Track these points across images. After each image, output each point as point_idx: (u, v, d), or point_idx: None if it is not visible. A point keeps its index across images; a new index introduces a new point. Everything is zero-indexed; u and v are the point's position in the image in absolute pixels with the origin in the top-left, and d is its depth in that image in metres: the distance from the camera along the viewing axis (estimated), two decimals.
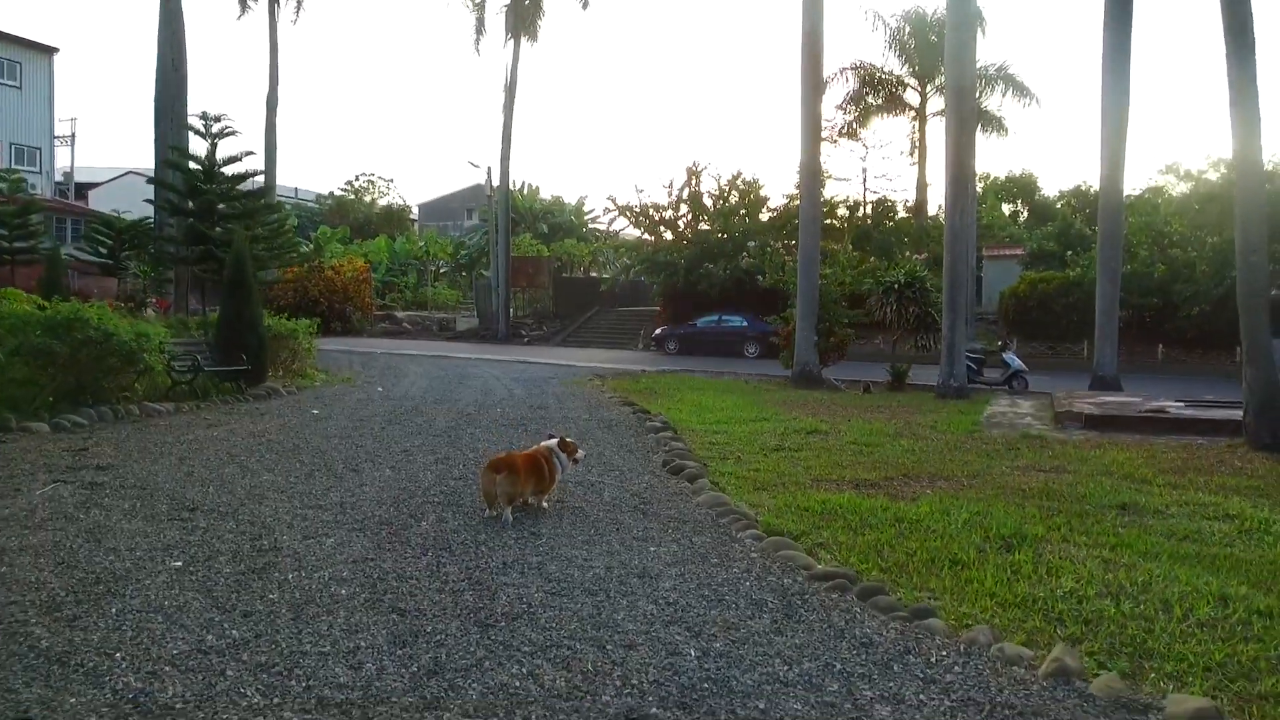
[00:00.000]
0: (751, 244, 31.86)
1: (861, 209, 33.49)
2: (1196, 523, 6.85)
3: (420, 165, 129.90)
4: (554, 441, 6.86)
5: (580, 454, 7.08)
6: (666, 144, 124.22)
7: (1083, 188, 40.45)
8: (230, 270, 14.90)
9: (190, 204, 20.64)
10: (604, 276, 44.06)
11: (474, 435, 10.47)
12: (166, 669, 3.65)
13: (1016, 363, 19.51)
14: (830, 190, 33.44)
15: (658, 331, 32.10)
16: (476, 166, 42.80)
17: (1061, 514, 7.06)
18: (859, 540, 6.20)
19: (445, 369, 21.15)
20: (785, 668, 3.85)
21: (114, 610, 4.29)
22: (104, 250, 30.38)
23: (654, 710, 3.39)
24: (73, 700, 3.35)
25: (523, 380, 18.53)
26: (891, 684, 3.71)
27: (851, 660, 3.95)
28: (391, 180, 72.79)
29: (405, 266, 49.50)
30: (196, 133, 21.06)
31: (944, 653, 4.06)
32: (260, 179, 26.55)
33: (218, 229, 20.08)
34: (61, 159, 48.21)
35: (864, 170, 36.93)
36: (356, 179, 66.69)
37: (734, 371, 23.05)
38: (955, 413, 14.27)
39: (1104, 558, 5.84)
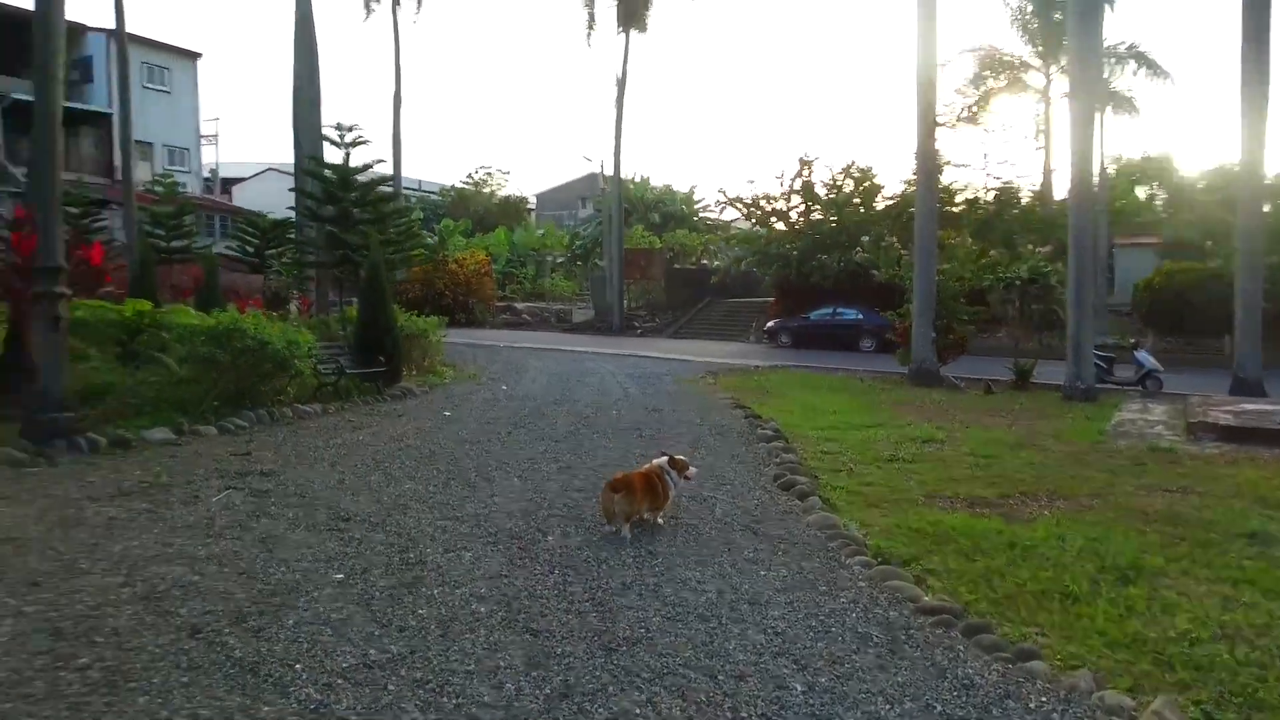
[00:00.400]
0: (865, 238, 31.41)
1: (983, 197, 32.45)
2: None
3: (536, 156, 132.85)
4: (664, 460, 7.25)
5: (692, 471, 7.43)
6: (778, 132, 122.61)
7: (1225, 166, 37.76)
8: (366, 277, 16.00)
9: (328, 209, 22.01)
10: (715, 265, 44.24)
11: (593, 441, 10.99)
12: (339, 682, 4.23)
13: (1150, 362, 18.67)
14: (949, 176, 32.53)
15: (770, 324, 32.11)
16: (589, 160, 43.77)
17: (1185, 542, 6.94)
18: (970, 568, 6.31)
19: (564, 364, 21.92)
20: (887, 707, 4.12)
21: (290, 622, 4.94)
22: (250, 249, 32.70)
23: None
24: (266, 709, 3.96)
25: (637, 377, 19.05)
26: None
27: (952, 702, 4.17)
28: (509, 172, 74.89)
29: (524, 258, 51.05)
30: (331, 142, 22.42)
31: (1044, 698, 4.22)
32: (389, 186, 27.96)
33: (353, 234, 21.36)
34: (207, 156, 51.81)
35: (985, 156, 35.72)
36: (476, 171, 68.91)
37: (848, 368, 22.92)
38: (1081, 419, 13.90)
39: (1224, 595, 5.78)
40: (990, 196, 32.45)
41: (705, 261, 47.18)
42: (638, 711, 4.01)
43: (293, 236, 28.25)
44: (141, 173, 35.85)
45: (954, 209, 32.37)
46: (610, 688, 4.23)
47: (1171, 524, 7.50)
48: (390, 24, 35.46)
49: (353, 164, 22.15)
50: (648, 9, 36.20)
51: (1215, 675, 4.57)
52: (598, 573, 5.93)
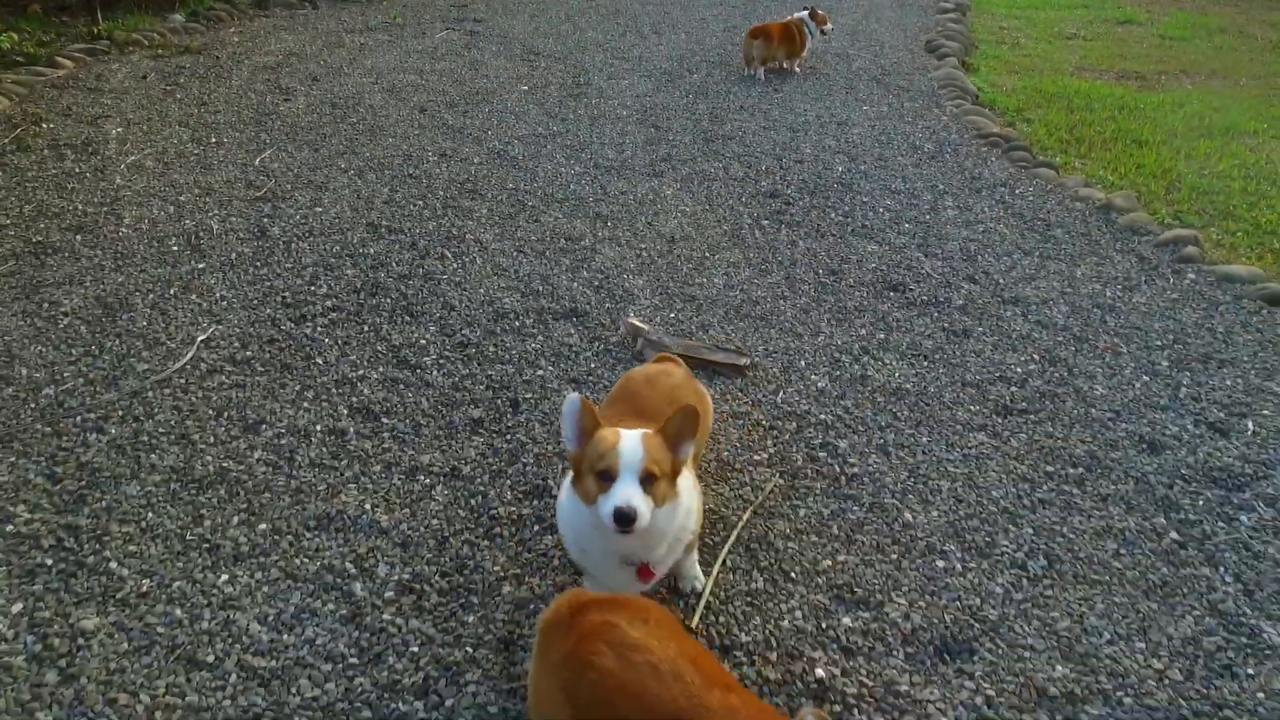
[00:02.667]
0: None
1: None
2: None
3: None
4: (805, 13, 8.04)
5: (828, 26, 8.22)
6: None
7: None
8: None
9: None
10: None
11: (766, 6, 11.57)
12: (514, 142, 6.06)
13: None
14: None
15: None
16: None
17: None
18: (1066, 119, 6.99)
19: None
20: (899, 182, 5.41)
21: (486, 110, 6.76)
22: None
23: (789, 191, 5.22)
24: (467, 149, 5.88)
25: None
26: (970, 199, 5.16)
27: (952, 183, 5.39)
28: None
29: None
30: None
31: (1031, 188, 5.33)
32: None
33: None
34: None
35: None
36: None
37: None
38: None
39: None
40: None
41: None
42: (711, 170, 5.58)
43: None
44: None
45: None
46: (699, 158, 5.79)
47: None
48: None
49: None
50: None
51: (1213, 199, 5.39)
52: (723, 99, 7.24)
